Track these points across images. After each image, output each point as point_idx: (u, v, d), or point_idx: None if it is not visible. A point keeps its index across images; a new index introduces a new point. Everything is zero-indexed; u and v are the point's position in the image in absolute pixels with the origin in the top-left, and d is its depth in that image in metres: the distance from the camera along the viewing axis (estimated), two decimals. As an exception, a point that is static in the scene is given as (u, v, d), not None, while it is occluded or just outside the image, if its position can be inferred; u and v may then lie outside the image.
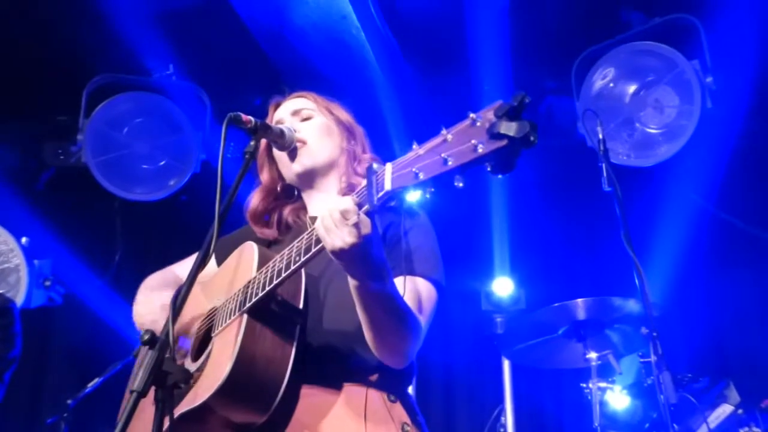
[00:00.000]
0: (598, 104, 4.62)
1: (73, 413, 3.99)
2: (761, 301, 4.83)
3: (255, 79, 5.28)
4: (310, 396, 1.87)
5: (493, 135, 1.31)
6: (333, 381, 1.90)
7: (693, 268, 4.69)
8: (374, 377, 1.93)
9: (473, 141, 1.34)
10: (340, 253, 1.63)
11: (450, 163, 1.37)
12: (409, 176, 1.43)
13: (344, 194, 1.97)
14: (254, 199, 2.26)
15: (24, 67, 5.14)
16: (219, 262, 2.22)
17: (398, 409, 1.93)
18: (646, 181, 4.88)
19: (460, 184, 1.38)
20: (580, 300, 3.62)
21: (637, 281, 3.01)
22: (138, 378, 1.46)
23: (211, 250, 1.75)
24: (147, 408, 2.06)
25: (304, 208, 2.23)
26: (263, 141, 2.11)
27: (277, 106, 2.31)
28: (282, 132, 2.09)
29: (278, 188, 2.26)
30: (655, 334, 2.83)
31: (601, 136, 3.42)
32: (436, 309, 2.01)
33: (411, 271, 1.96)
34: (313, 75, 4.86)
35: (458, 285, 5.19)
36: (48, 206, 5.37)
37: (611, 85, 4.76)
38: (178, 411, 1.78)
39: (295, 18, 4.58)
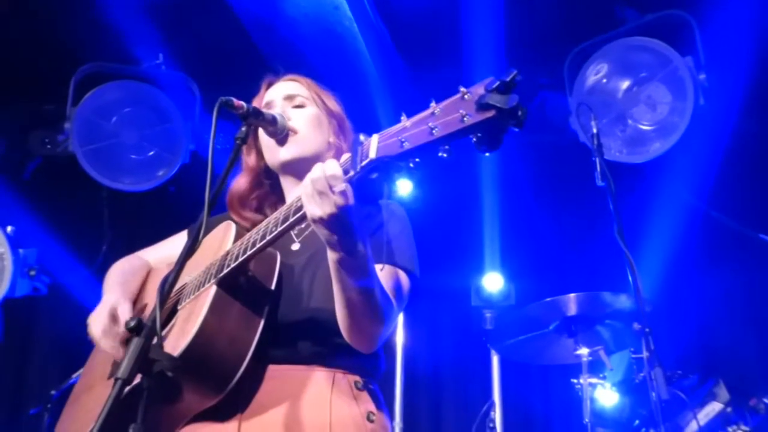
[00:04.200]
0: (591, 100, 4.61)
1: (56, 404, 3.94)
2: (751, 300, 4.85)
3: (245, 70, 5.20)
4: (275, 378, 1.85)
5: (482, 106, 1.32)
6: (301, 364, 1.88)
7: (683, 265, 4.70)
8: (344, 364, 1.91)
9: (462, 111, 1.34)
10: (319, 221, 1.60)
11: (435, 132, 1.37)
12: (395, 146, 1.43)
13: None
14: (237, 183, 2.23)
15: (10, 55, 5.07)
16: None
17: (365, 397, 1.92)
18: (638, 177, 4.88)
19: (445, 155, 1.38)
20: (571, 295, 3.61)
21: (630, 277, 3.00)
22: (123, 365, 1.42)
23: (200, 238, 1.72)
24: (97, 385, 2.02)
25: (282, 200, 2.21)
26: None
27: (269, 85, 2.27)
28: (274, 119, 2.06)
29: (260, 172, 2.23)
30: (647, 330, 2.82)
31: (595, 131, 3.41)
32: (410, 300, 2.00)
33: (388, 260, 1.94)
34: (305, 66, 4.81)
35: (448, 280, 5.18)
36: (34, 195, 5.30)
37: (604, 80, 4.75)
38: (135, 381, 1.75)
39: (286, 8, 4.54)
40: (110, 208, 5.51)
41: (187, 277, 1.99)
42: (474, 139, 1.36)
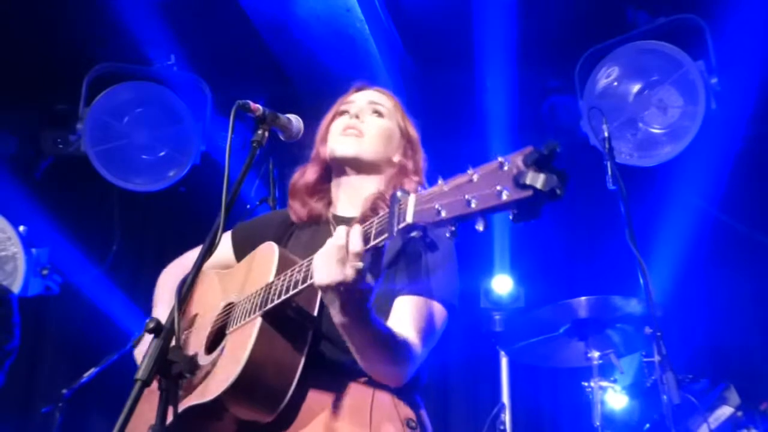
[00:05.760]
0: (602, 103, 4.60)
1: (68, 403, 3.96)
2: (762, 305, 4.82)
3: (257, 71, 5.25)
4: (318, 390, 1.89)
5: (519, 185, 1.28)
6: (343, 378, 1.92)
7: (694, 269, 4.67)
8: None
9: (498, 187, 1.31)
10: (326, 288, 1.65)
11: (473, 205, 1.34)
12: (432, 212, 1.41)
13: (373, 203, 2.01)
14: (306, 173, 2.24)
15: (23, 55, 5.10)
16: (238, 250, 2.22)
17: (404, 406, 1.95)
18: (649, 181, 4.86)
19: (481, 228, 1.36)
20: (582, 298, 3.60)
21: (641, 280, 3.00)
22: (143, 366, 1.44)
23: (217, 241, 1.75)
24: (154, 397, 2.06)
25: (331, 202, 2.22)
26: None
27: (359, 89, 2.30)
28: (290, 121, 2.06)
29: (328, 165, 2.23)
30: (659, 333, 2.82)
31: (606, 134, 3.41)
32: (445, 329, 2.02)
33: (427, 291, 1.95)
34: (316, 67, 4.82)
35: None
36: (46, 195, 5.33)
37: (615, 83, 4.75)
38: (189, 402, 1.81)
39: (298, 10, 4.54)
40: (121, 208, 5.54)
41: (233, 295, 2.02)
42: (511, 217, 1.33)
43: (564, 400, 4.87)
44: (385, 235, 1.54)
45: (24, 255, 4.95)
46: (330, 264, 1.62)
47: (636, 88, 4.73)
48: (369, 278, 1.64)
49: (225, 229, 1.78)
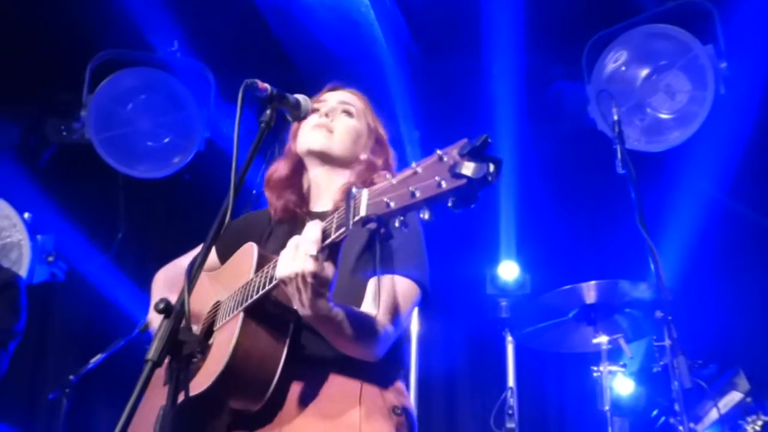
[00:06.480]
0: (610, 88, 4.56)
1: (75, 389, 3.97)
2: (771, 290, 4.80)
3: (261, 57, 5.21)
4: (304, 379, 1.95)
5: (455, 174, 1.40)
6: (327, 367, 1.97)
7: (703, 255, 4.65)
8: (365, 366, 1.98)
9: (437, 177, 1.43)
10: (286, 280, 1.70)
11: (417, 195, 1.46)
12: (381, 205, 1.52)
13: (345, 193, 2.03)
14: (278, 167, 2.32)
15: (26, 43, 5.08)
16: (221, 253, 2.28)
17: (389, 394, 2.01)
18: (657, 167, 4.83)
19: (426, 217, 1.46)
20: (591, 282, 3.60)
21: (651, 265, 2.98)
22: (153, 347, 1.43)
23: (227, 221, 1.74)
24: (160, 380, 2.06)
25: (304, 197, 2.29)
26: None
27: (332, 89, 2.38)
28: (298, 102, 2.05)
29: (300, 159, 2.31)
30: (670, 318, 2.80)
31: (616, 118, 3.38)
32: (417, 305, 2.09)
33: (392, 270, 2.02)
34: (320, 52, 4.80)
35: (463, 268, 5.16)
36: (51, 182, 5.32)
37: (623, 68, 4.71)
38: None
39: (302, -6, 4.52)
40: (126, 195, 5.52)
41: (220, 294, 2.09)
42: (449, 204, 1.44)
43: (572, 385, 4.87)
44: (343, 229, 1.63)
45: (29, 242, 4.94)
46: (291, 257, 1.70)
47: (644, 72, 4.69)
48: (328, 270, 1.71)
49: (233, 213, 1.77)
